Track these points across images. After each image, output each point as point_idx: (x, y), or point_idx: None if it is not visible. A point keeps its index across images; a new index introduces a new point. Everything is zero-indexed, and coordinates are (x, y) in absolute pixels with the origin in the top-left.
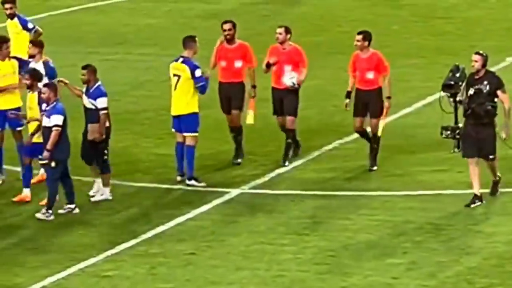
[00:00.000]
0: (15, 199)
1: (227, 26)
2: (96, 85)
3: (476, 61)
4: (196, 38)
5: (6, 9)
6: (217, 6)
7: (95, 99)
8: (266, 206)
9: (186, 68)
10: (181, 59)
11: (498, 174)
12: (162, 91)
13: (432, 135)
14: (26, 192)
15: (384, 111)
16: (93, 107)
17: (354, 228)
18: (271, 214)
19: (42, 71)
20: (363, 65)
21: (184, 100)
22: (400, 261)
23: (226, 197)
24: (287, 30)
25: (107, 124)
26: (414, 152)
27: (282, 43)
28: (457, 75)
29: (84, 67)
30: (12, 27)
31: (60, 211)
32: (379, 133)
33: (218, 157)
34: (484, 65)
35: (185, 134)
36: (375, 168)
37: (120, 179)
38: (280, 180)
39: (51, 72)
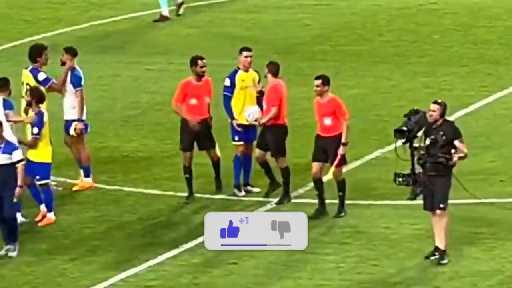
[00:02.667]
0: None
1: (202, 63)
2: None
3: (434, 111)
4: (245, 52)
5: None
6: (259, 15)
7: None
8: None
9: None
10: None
11: (444, 246)
12: None
13: (473, 144)
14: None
15: (338, 157)
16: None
17: (396, 237)
18: (314, 223)
19: (68, 78)
20: (321, 110)
21: None
22: (442, 270)
23: (268, 206)
24: (267, 66)
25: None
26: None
27: (265, 77)
28: (413, 120)
29: None
30: None
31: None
32: (329, 176)
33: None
34: (442, 114)
35: None
36: (342, 214)
37: (162, 189)
38: None
39: (75, 81)
